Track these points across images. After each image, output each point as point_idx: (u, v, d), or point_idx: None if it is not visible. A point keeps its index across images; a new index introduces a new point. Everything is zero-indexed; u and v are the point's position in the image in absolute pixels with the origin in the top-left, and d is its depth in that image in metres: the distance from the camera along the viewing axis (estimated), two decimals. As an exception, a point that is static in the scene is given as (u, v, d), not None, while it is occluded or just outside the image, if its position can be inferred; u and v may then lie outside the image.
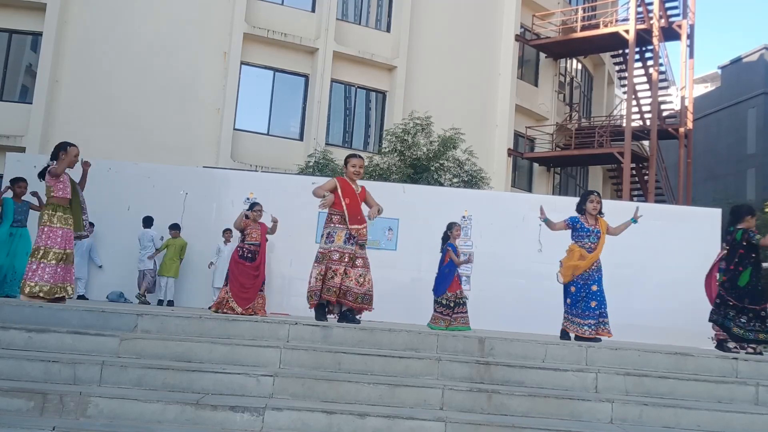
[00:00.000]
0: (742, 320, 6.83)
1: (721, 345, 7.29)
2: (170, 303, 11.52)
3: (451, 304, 8.60)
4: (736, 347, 6.97)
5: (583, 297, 6.82)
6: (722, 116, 33.00)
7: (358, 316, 6.61)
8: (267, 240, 8.96)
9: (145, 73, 17.52)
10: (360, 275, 6.51)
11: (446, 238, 8.91)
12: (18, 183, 8.60)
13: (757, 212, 7.30)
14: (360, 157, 6.92)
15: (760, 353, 6.77)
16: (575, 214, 7.14)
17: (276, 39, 18.94)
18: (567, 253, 6.98)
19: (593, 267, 6.91)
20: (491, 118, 21.98)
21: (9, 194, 8.55)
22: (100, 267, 11.95)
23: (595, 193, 7.15)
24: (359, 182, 6.94)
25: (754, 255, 6.96)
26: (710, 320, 7.17)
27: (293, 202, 11.91)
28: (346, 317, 6.53)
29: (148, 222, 11.74)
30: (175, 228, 11.76)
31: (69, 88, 17.05)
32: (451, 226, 8.92)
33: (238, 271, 8.48)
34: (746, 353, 6.69)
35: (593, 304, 6.78)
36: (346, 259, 6.46)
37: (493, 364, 5.19)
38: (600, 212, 7.07)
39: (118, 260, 11.91)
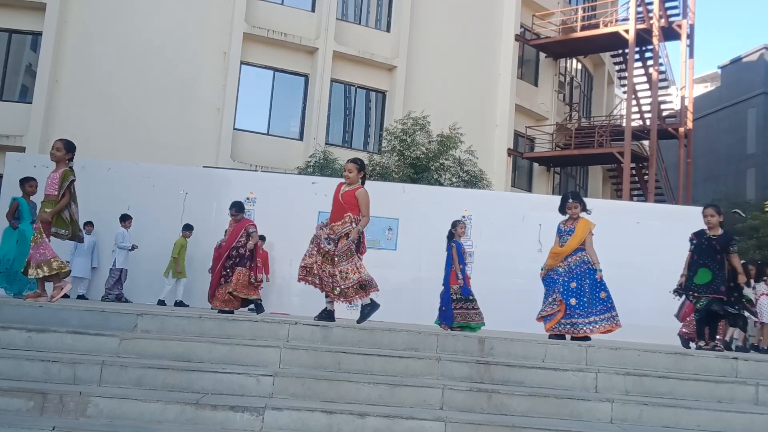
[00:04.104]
0: None
1: (686, 342, 7.42)
2: (182, 304, 11.47)
3: (462, 299, 8.67)
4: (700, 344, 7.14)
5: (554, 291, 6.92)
6: (722, 116, 33.03)
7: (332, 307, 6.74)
8: (248, 236, 8.66)
9: (145, 73, 17.52)
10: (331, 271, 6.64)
11: (451, 236, 8.94)
12: (29, 182, 8.50)
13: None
14: (351, 161, 6.96)
15: (713, 348, 6.88)
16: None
17: (276, 39, 18.94)
18: None
19: (570, 262, 6.93)
20: (491, 117, 21.99)
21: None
22: (94, 268, 11.93)
23: (571, 200, 7.16)
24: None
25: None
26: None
27: (293, 201, 11.93)
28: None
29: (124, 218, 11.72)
30: (189, 228, 11.74)
31: (69, 88, 17.06)
32: (455, 224, 8.95)
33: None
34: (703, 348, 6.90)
35: (572, 301, 6.82)
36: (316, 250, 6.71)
37: (493, 364, 5.18)
38: (582, 213, 7.11)
39: (118, 260, 11.89)
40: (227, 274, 8.48)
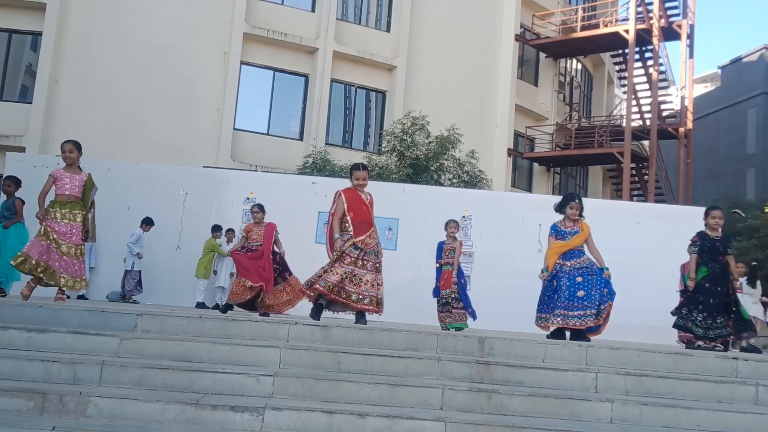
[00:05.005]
0: (698, 318, 7.04)
1: (690, 345, 7.37)
2: (204, 305, 11.48)
3: (447, 301, 8.65)
4: (706, 345, 7.04)
5: (567, 287, 6.79)
6: (722, 116, 33.03)
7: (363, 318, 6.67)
8: (275, 241, 8.64)
9: (145, 73, 17.52)
10: (365, 277, 6.57)
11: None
12: (5, 181, 8.65)
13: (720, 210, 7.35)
14: (363, 168, 6.90)
15: (713, 348, 6.86)
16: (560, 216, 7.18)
17: (276, 39, 18.95)
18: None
19: (577, 263, 6.88)
20: (491, 118, 21.99)
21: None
22: (92, 268, 11.93)
23: (577, 200, 7.10)
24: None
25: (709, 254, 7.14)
26: (674, 326, 7.28)
27: (293, 201, 11.93)
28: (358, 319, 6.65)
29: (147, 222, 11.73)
30: (218, 229, 11.75)
31: (69, 88, 17.06)
32: (446, 224, 8.94)
33: (238, 258, 8.47)
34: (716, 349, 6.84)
35: (580, 293, 6.75)
36: (347, 260, 6.57)
37: (493, 364, 5.18)
38: (581, 215, 7.07)
39: (118, 260, 11.88)
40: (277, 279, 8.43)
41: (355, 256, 6.58)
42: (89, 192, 6.94)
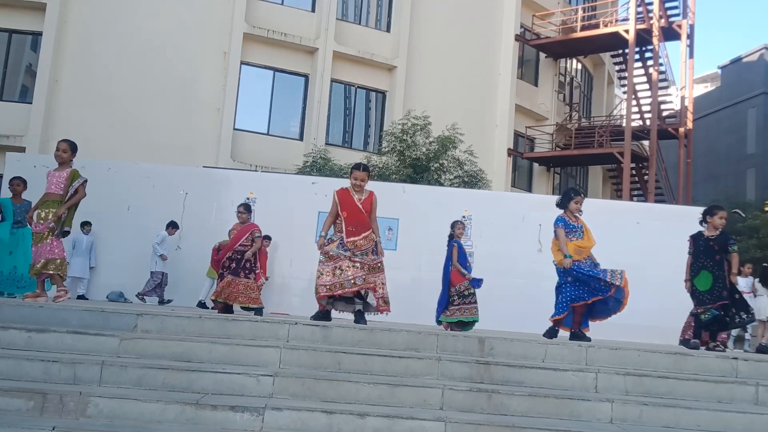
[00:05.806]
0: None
1: (686, 342, 7.39)
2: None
3: (465, 294, 8.73)
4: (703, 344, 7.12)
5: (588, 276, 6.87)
6: (722, 116, 33.02)
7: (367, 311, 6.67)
8: (248, 243, 8.41)
9: (145, 73, 17.52)
10: (358, 275, 6.51)
11: (452, 237, 9.00)
12: (12, 181, 8.53)
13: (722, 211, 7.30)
14: (363, 168, 6.85)
15: (713, 349, 6.90)
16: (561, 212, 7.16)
17: (276, 39, 18.95)
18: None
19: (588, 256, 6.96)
20: (491, 118, 21.99)
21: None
22: (92, 268, 11.92)
23: (582, 194, 7.21)
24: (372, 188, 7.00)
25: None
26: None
27: (293, 201, 11.94)
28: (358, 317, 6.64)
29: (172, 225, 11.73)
30: None
31: (69, 88, 17.06)
32: (453, 225, 9.00)
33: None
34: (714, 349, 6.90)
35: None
36: (337, 262, 6.53)
37: (493, 364, 5.18)
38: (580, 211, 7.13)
39: (118, 260, 11.90)
40: (227, 272, 8.35)
41: (344, 256, 6.53)
42: (69, 185, 6.73)
